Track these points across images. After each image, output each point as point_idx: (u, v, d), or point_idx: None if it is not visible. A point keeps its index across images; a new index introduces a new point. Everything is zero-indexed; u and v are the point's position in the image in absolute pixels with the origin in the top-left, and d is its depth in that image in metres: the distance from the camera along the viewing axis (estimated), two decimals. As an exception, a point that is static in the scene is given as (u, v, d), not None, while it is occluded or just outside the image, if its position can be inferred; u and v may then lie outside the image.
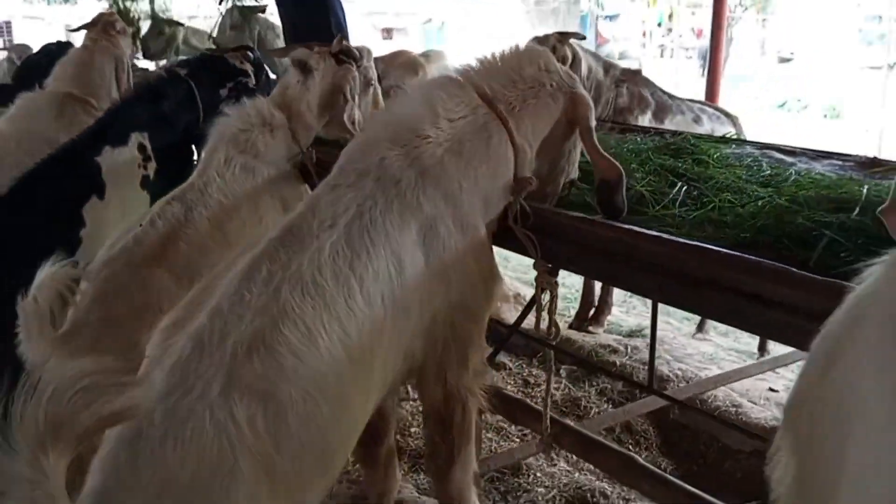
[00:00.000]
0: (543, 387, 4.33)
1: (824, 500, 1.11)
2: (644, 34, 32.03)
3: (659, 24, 32.42)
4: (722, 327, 5.89)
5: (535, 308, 2.42)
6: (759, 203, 2.39)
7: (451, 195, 2.22)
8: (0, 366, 1.55)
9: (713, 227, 2.32)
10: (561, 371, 4.55)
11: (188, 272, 2.77)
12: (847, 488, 1.04)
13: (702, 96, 6.63)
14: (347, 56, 3.41)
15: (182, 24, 7.86)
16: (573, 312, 5.53)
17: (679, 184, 2.68)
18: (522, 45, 2.55)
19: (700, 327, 5.61)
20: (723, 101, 6.88)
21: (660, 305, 6.23)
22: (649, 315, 5.81)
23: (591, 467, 3.64)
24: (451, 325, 2.21)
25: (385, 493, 2.79)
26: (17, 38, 19.58)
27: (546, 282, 2.29)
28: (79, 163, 3.72)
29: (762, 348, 5.20)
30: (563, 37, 4.78)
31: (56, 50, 5.75)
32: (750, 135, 4.49)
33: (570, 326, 5.26)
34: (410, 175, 2.19)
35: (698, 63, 24.94)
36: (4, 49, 11.36)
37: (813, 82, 21.05)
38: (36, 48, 7.46)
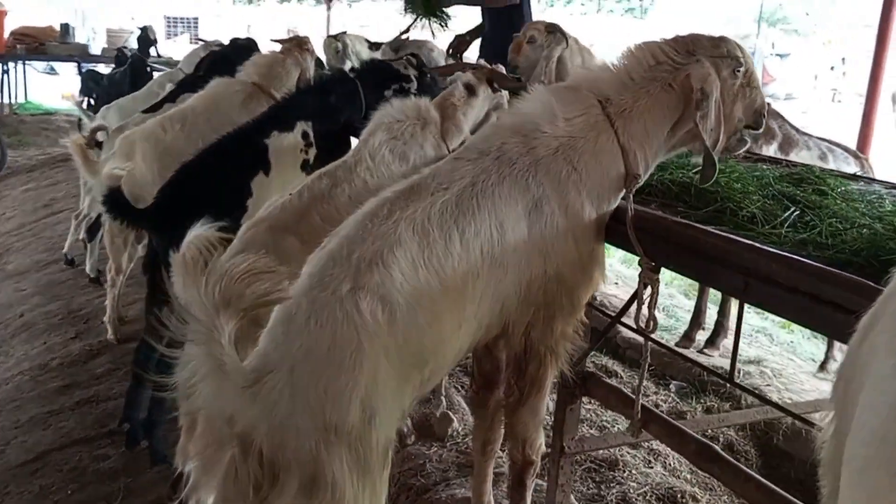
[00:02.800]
0: (650, 398, 4.53)
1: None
2: (815, 77, 30.88)
3: (832, 68, 31.23)
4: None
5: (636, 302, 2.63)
6: (861, 230, 2.54)
7: (558, 182, 2.54)
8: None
9: (813, 247, 2.47)
10: (671, 386, 4.69)
11: (317, 241, 3.10)
12: (854, 429, 1.24)
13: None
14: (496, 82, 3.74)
15: (343, 33, 8.08)
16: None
17: (792, 208, 2.84)
18: (633, 47, 2.77)
19: (823, 366, 5.58)
20: (874, 150, 6.75)
21: (786, 342, 6.25)
22: (772, 349, 5.89)
23: (688, 475, 3.80)
24: (544, 293, 2.55)
25: (489, 443, 3.12)
26: (202, 33, 21.01)
27: (648, 278, 2.52)
28: (251, 142, 4.23)
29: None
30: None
31: (244, 44, 6.42)
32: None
33: (676, 345, 5.36)
34: (526, 160, 2.54)
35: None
36: (197, 42, 12.33)
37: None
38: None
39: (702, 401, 4.59)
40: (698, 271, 2.47)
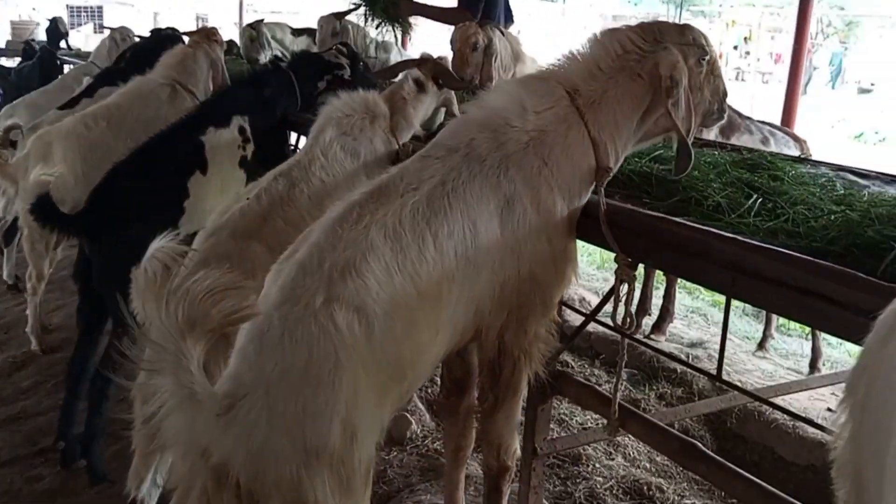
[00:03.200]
0: (603, 386, 4.51)
1: (872, 459, 1.26)
2: (721, 56, 31.62)
3: (735, 48, 32.10)
4: (782, 348, 5.97)
5: (612, 299, 2.57)
6: (832, 217, 2.52)
7: (530, 178, 2.44)
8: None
9: (785, 236, 2.45)
10: (622, 374, 4.67)
11: (282, 246, 2.98)
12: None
13: (777, 122, 6.66)
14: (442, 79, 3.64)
15: (260, 21, 7.84)
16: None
17: (755, 196, 2.82)
18: (599, 35, 2.70)
19: (761, 345, 5.68)
20: (798, 129, 6.91)
21: (720, 321, 6.34)
22: (710, 329, 5.96)
23: (647, 465, 3.79)
24: (517, 294, 2.46)
25: (460, 449, 3.04)
26: (108, 23, 20.30)
27: (626, 274, 2.45)
28: (186, 140, 4.04)
29: (813, 366, 5.28)
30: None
31: (167, 35, 6.16)
32: (822, 162, 4.56)
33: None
34: (496, 157, 2.44)
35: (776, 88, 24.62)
36: (102, 31, 11.88)
37: (893, 115, 20.66)
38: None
39: (654, 387, 4.60)
40: (680, 267, 2.42)
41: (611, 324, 2.59)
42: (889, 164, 3.87)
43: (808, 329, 6.60)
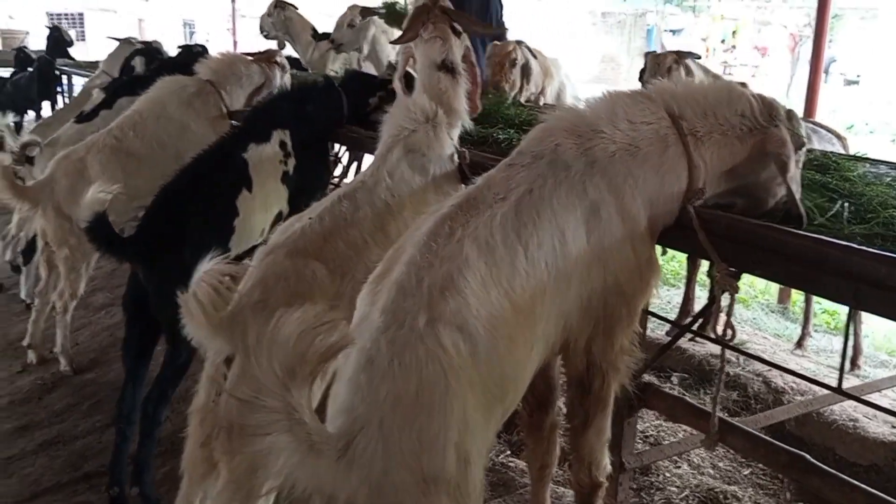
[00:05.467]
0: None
1: None
2: (707, 50, 31.79)
3: (722, 41, 32.22)
4: (813, 345, 5.93)
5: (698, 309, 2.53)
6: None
7: (615, 186, 2.40)
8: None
9: (881, 240, 2.40)
10: (672, 378, 4.64)
11: (342, 268, 2.92)
12: None
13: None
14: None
15: (291, 6, 7.87)
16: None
17: (839, 200, 2.78)
18: (729, 84, 2.74)
19: (799, 343, 5.65)
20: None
21: (749, 319, 6.31)
22: (752, 333, 5.92)
23: (712, 471, 3.75)
24: (604, 305, 2.42)
25: (546, 466, 2.98)
26: (89, 30, 20.16)
27: (728, 284, 2.40)
28: (230, 158, 3.97)
29: (853, 363, 5.27)
30: (680, 56, 4.96)
31: (197, 53, 6.13)
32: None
33: (668, 334, 5.32)
34: (581, 163, 2.40)
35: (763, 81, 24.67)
36: (82, 40, 11.76)
37: (881, 106, 20.78)
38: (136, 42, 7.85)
39: (708, 391, 4.55)
40: (794, 277, 2.36)
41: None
42: (882, 156, 3.87)
43: (837, 325, 6.62)
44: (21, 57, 10.57)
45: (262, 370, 1.74)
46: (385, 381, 1.93)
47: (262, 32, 7.85)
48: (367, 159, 5.73)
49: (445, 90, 3.27)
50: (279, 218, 4.20)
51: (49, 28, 11.15)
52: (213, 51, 6.65)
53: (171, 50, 7.43)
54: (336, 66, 7.49)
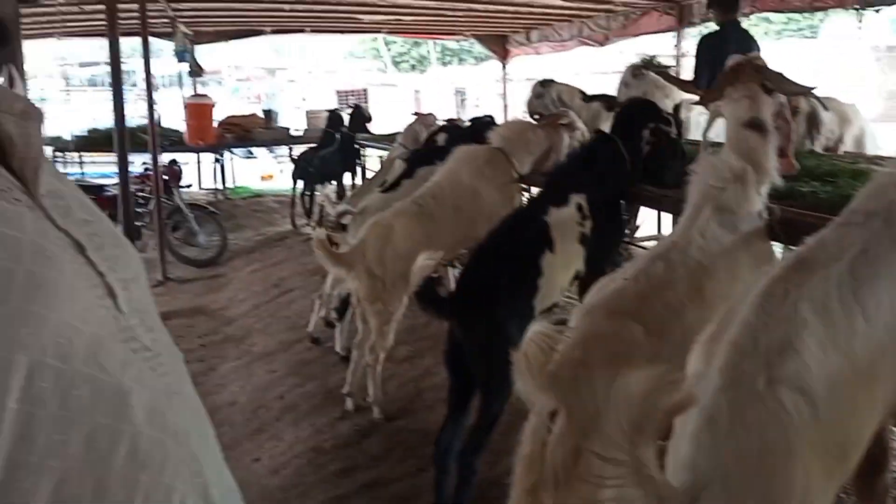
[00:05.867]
0: None
1: None
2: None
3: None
4: None
5: None
6: None
7: None
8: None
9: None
10: None
11: (660, 329, 2.95)
12: None
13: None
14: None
15: (551, 80, 8.23)
16: None
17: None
18: None
19: None
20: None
21: None
22: None
23: None
24: None
25: None
26: (373, 104, 21.90)
27: None
28: (533, 221, 4.25)
29: None
30: None
31: (485, 124, 6.62)
32: None
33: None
34: None
35: None
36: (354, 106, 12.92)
37: None
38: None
39: None
40: None
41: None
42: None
43: None
44: (329, 135, 11.77)
45: (611, 425, 1.86)
46: (728, 440, 1.99)
47: (531, 115, 7.84)
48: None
49: (754, 148, 3.29)
50: (576, 277, 4.43)
51: (351, 107, 12.41)
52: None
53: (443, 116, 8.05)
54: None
